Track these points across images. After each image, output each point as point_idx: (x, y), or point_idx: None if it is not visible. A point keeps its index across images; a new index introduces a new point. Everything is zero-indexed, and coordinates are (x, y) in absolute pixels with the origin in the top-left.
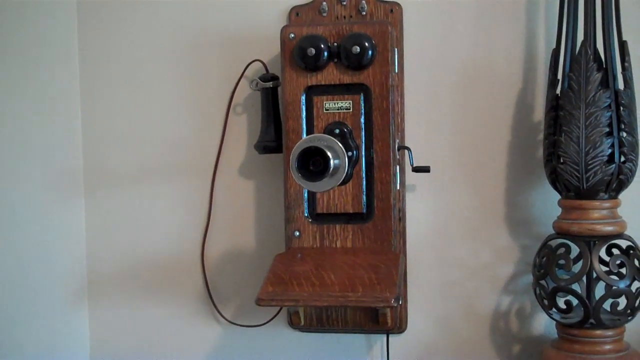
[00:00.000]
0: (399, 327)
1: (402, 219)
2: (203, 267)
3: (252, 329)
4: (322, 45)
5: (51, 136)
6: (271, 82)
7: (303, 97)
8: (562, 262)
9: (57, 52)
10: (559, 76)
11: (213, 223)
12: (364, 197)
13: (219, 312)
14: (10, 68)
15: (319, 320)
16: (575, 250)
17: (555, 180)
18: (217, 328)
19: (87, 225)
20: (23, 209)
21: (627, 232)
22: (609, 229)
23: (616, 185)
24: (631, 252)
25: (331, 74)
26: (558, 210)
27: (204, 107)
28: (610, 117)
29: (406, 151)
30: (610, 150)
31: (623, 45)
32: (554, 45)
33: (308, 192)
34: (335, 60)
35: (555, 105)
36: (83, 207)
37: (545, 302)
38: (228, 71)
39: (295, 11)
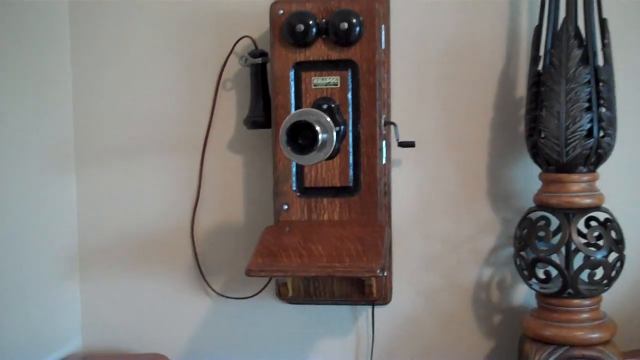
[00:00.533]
0: (384, 298)
1: (387, 192)
2: (193, 240)
3: (241, 301)
4: (311, 22)
5: (42, 111)
6: (260, 58)
7: (292, 73)
8: (541, 233)
9: (48, 27)
10: (541, 53)
11: (203, 197)
12: (351, 171)
13: (208, 284)
14: (0, 45)
15: (307, 292)
16: (554, 222)
17: (536, 154)
18: (206, 300)
19: (79, 199)
20: (14, 184)
21: (604, 205)
22: (587, 201)
23: (595, 159)
24: (608, 224)
25: (319, 50)
26: (538, 184)
27: (193, 82)
28: (590, 92)
29: (392, 126)
30: (589, 125)
31: (603, 22)
32: (536, 22)
33: (296, 166)
34: (324, 36)
35: (537, 81)
36: (74, 181)
37: (525, 272)
38: (217, 47)
39: None
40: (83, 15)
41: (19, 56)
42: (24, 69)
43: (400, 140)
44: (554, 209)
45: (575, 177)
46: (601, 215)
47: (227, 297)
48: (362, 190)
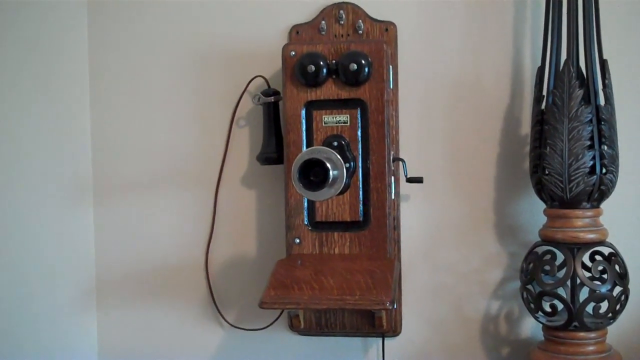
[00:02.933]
0: (394, 330)
1: (396, 226)
2: (207, 272)
3: (254, 332)
4: (322, 63)
5: (62, 147)
6: (273, 97)
7: (303, 112)
8: (547, 267)
9: (68, 65)
10: (544, 92)
11: (217, 231)
12: (361, 206)
13: (222, 316)
14: (22, 80)
15: (318, 323)
16: (560, 256)
17: (541, 190)
18: (220, 331)
19: (96, 232)
20: (34, 217)
21: (608, 240)
22: (591, 236)
23: (598, 195)
24: (612, 258)
25: (330, 90)
26: (544, 219)
27: (208, 120)
28: (592, 131)
29: (400, 162)
30: (591, 163)
31: (604, 63)
32: (539, 63)
33: (308, 201)
34: (334, 76)
35: (540, 120)
36: (92, 214)
37: (532, 305)
38: (231, 86)
39: (295, 30)
40: (101, 54)
41: (39, 93)
42: (44, 105)
43: (408, 176)
44: (559, 244)
45: (579, 212)
46: (605, 250)
47: (240, 328)
48: (371, 224)
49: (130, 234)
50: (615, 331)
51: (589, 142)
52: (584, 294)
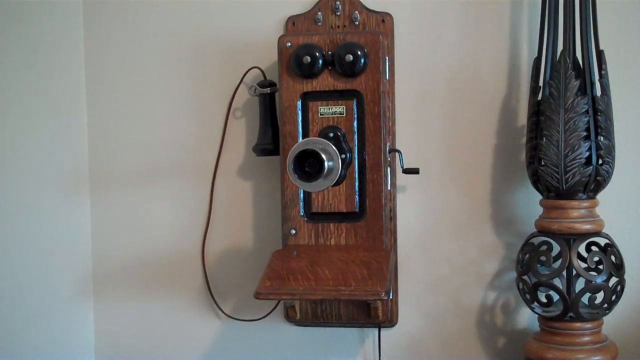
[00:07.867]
0: (390, 320)
1: (392, 218)
2: (203, 264)
3: (250, 323)
4: (317, 54)
5: (58, 139)
6: (269, 88)
7: (299, 103)
8: (543, 258)
9: (64, 57)
10: (540, 83)
11: (213, 222)
12: (357, 197)
13: (218, 307)
14: (18, 73)
15: (314, 314)
16: (556, 247)
17: (537, 181)
18: (216, 322)
19: (93, 223)
20: (31, 209)
21: (604, 231)
22: (587, 227)
23: (594, 186)
24: (608, 249)
25: (326, 81)
26: (540, 210)
27: (204, 111)
28: (588, 122)
29: (397, 154)
30: (587, 153)
31: (600, 54)
32: (535, 54)
33: (304, 192)
34: (330, 67)
35: (536, 111)
36: (88, 206)
37: (528, 296)
38: (228, 77)
39: (291, 21)
40: (98, 46)
41: (36, 85)
42: (41, 97)
43: (405, 167)
44: (555, 235)
45: (575, 203)
46: (601, 241)
47: (237, 319)
48: (367, 215)
49: (127, 225)
50: (611, 322)
51: (585, 133)
52: (579, 284)
